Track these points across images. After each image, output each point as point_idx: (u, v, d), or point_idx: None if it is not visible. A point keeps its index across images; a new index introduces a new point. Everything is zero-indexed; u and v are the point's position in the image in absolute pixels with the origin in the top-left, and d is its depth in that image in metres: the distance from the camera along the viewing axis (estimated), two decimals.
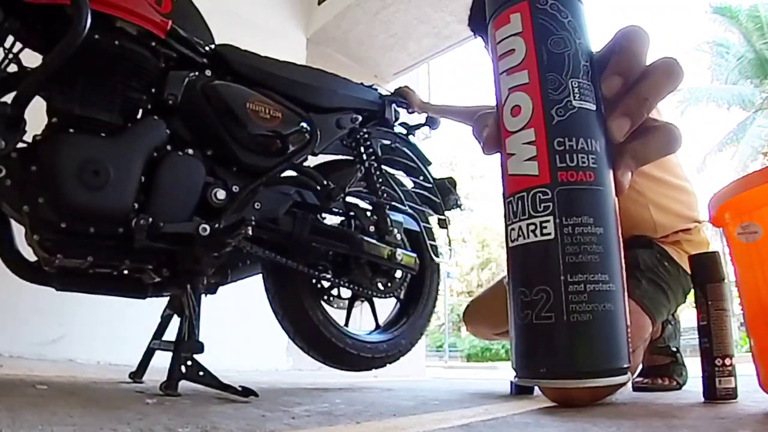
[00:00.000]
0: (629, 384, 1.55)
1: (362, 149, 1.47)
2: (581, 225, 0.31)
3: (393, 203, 1.51)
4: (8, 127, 0.95)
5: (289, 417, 0.82)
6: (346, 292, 1.54)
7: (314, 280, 1.45)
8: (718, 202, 0.95)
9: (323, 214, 1.42)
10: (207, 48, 1.22)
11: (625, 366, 0.32)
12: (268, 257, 1.24)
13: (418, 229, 1.56)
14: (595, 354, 0.31)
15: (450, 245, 1.70)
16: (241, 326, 2.29)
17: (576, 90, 0.33)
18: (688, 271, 1.32)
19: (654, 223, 1.40)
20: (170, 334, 1.22)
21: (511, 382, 1.36)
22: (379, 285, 1.50)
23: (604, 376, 0.31)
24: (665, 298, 1.30)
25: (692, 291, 1.35)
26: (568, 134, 0.32)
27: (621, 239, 0.33)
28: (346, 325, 1.53)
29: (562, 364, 0.31)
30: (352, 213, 1.45)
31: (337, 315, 1.51)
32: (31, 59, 1.03)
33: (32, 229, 0.98)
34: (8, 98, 0.98)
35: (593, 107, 0.34)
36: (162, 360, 1.14)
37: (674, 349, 1.44)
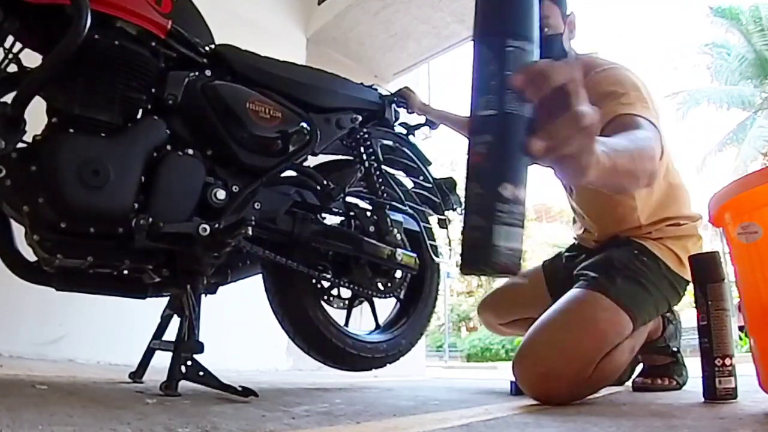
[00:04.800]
0: (629, 383, 1.55)
1: (362, 149, 1.47)
2: None
3: (393, 203, 1.51)
4: (8, 127, 0.95)
5: (289, 417, 0.82)
6: (346, 292, 1.54)
7: (314, 280, 1.45)
8: (718, 202, 0.95)
9: (323, 214, 1.42)
10: (207, 48, 1.22)
11: None
12: (268, 257, 1.24)
13: (418, 229, 1.56)
14: None
15: (450, 245, 1.70)
16: (241, 326, 2.28)
17: None
18: (671, 266, 1.30)
19: (638, 214, 1.33)
20: (170, 334, 1.22)
21: (511, 382, 1.36)
22: (379, 285, 1.50)
23: None
24: (646, 293, 1.24)
25: (690, 289, 1.33)
26: None
27: None
28: (346, 325, 1.53)
29: None
30: (352, 213, 1.45)
31: (337, 315, 1.51)
32: (31, 59, 1.03)
33: (32, 229, 0.98)
34: (8, 98, 0.98)
35: None
36: (162, 360, 1.14)
37: (675, 349, 1.44)
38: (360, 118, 1.46)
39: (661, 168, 1.17)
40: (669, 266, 1.31)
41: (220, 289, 1.38)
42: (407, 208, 1.55)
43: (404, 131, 1.67)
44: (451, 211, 1.68)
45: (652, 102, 1.17)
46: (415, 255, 1.49)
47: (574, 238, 1.61)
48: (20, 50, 1.05)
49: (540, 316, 1.23)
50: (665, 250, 1.32)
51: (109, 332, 2.02)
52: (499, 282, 1.84)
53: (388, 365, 1.58)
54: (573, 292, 1.25)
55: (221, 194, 1.16)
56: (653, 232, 1.35)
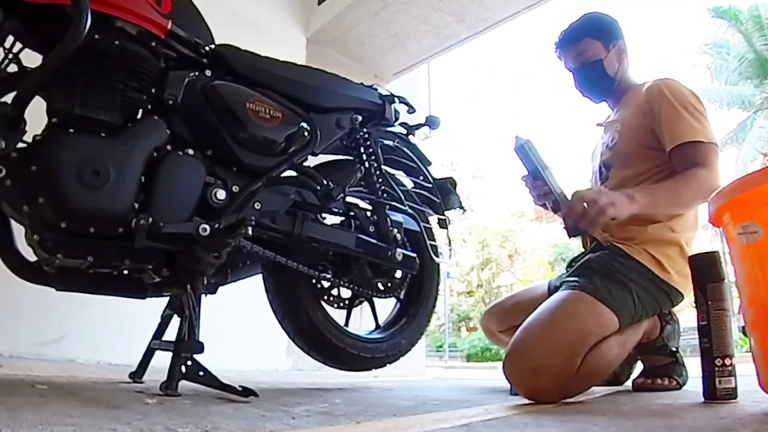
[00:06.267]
0: (629, 383, 1.55)
1: (362, 149, 1.47)
2: None
3: (393, 203, 1.51)
4: (8, 127, 0.95)
5: (289, 417, 0.82)
6: (346, 292, 1.54)
7: (314, 280, 1.45)
8: (718, 202, 0.95)
9: (323, 214, 1.42)
10: (207, 48, 1.22)
11: None
12: (268, 257, 1.24)
13: (418, 229, 1.56)
14: None
15: (450, 245, 1.70)
16: (241, 326, 2.28)
17: None
18: (652, 269, 1.32)
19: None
20: (170, 334, 1.22)
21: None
22: (379, 285, 1.50)
23: None
24: (625, 289, 1.28)
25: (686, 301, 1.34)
26: None
27: None
28: (346, 325, 1.53)
29: None
30: (352, 213, 1.45)
31: (337, 315, 1.51)
32: (31, 59, 1.03)
33: (32, 229, 0.98)
34: (8, 98, 0.98)
35: None
36: (162, 360, 1.14)
37: (674, 349, 1.44)
38: (360, 118, 1.46)
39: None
40: (650, 269, 1.32)
41: (220, 289, 1.38)
42: (407, 208, 1.55)
43: (404, 131, 1.67)
44: (451, 211, 1.68)
45: (706, 115, 1.36)
46: (415, 255, 1.49)
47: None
48: (20, 50, 1.05)
49: None
50: (644, 253, 1.34)
51: (109, 332, 2.01)
52: (505, 293, 1.90)
53: (388, 365, 1.58)
54: (555, 295, 1.32)
55: (221, 194, 1.16)
56: (636, 234, 1.37)
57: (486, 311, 1.79)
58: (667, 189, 1.30)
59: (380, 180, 1.49)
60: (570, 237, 1.52)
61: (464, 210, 1.72)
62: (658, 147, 1.38)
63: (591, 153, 1.70)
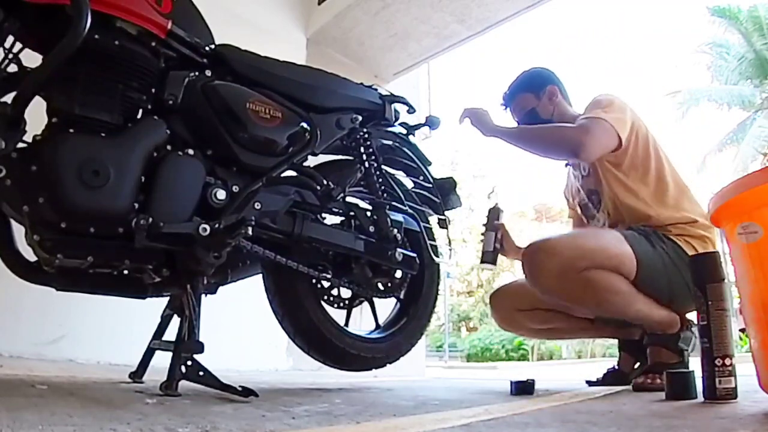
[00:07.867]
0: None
1: (362, 149, 1.47)
2: None
3: (393, 203, 1.51)
4: (8, 127, 0.95)
5: (289, 417, 0.82)
6: (346, 292, 1.54)
7: (314, 280, 1.45)
8: (718, 202, 0.95)
9: (323, 214, 1.42)
10: (207, 48, 1.22)
11: None
12: (268, 257, 1.24)
13: (418, 229, 1.56)
14: None
15: (450, 245, 1.70)
16: (241, 326, 2.29)
17: None
18: (685, 248, 1.43)
19: (650, 213, 1.52)
20: (170, 334, 1.22)
21: (511, 382, 1.36)
22: (379, 285, 1.50)
23: None
24: (652, 247, 1.42)
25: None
26: None
27: None
28: (346, 325, 1.53)
29: None
30: (352, 213, 1.45)
31: (337, 315, 1.51)
32: (31, 59, 1.03)
33: (32, 229, 0.98)
34: (8, 98, 0.98)
35: None
36: (162, 360, 1.14)
37: (683, 350, 1.45)
38: (360, 118, 1.46)
39: (593, 141, 1.45)
40: (685, 250, 1.43)
41: (220, 289, 1.38)
42: (407, 208, 1.55)
43: (404, 131, 1.67)
44: (451, 211, 1.68)
45: (617, 111, 1.51)
46: (415, 255, 1.49)
47: None
48: (20, 50, 1.05)
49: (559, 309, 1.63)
50: (681, 239, 1.46)
51: (109, 332, 2.01)
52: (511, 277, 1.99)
53: (388, 365, 1.58)
54: None
55: (221, 194, 1.16)
56: (672, 230, 1.49)
57: (497, 292, 1.85)
58: (530, 130, 1.62)
59: (380, 180, 1.49)
60: (482, 263, 1.77)
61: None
62: (616, 149, 1.51)
63: (564, 192, 1.85)
